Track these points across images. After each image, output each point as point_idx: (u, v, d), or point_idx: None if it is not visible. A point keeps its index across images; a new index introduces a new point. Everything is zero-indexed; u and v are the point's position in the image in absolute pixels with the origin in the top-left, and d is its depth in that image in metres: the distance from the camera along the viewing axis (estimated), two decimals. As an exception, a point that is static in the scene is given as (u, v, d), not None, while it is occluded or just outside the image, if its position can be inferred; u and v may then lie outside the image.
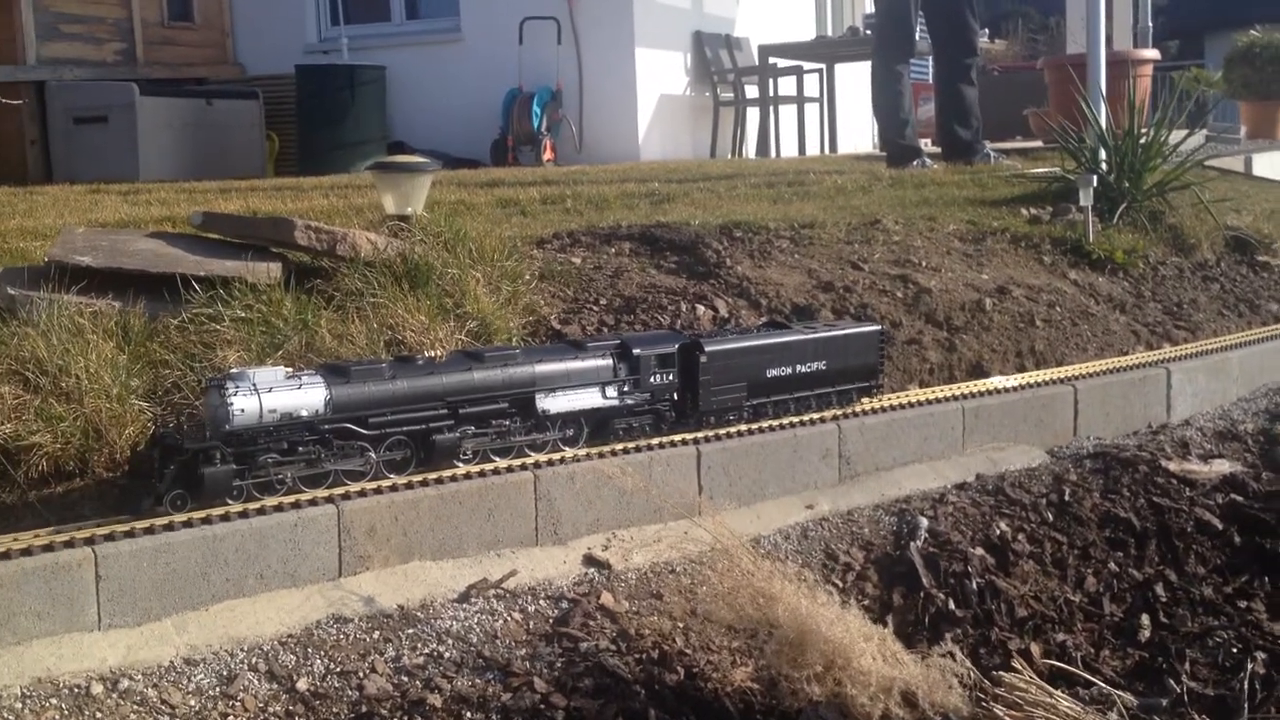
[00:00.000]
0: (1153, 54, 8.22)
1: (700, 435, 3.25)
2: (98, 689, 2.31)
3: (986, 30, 9.89)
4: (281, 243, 3.48)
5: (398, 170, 4.06)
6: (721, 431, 3.30)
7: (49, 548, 2.40)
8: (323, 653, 2.51)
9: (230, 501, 2.60)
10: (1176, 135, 5.98)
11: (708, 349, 3.24)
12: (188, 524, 2.53)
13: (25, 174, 8.80)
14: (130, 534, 2.48)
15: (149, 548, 2.47)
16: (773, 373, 3.38)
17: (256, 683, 2.41)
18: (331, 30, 10.50)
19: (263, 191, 6.00)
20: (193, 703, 2.33)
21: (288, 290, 3.20)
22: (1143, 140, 5.62)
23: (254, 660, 2.45)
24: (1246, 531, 3.48)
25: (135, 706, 2.29)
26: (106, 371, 2.78)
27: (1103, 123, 5.91)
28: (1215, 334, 4.79)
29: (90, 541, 2.43)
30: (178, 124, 9.04)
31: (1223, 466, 3.79)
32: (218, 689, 2.37)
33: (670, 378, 3.21)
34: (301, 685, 2.42)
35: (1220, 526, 3.48)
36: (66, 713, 2.25)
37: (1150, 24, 12.17)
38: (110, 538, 2.46)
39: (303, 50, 10.28)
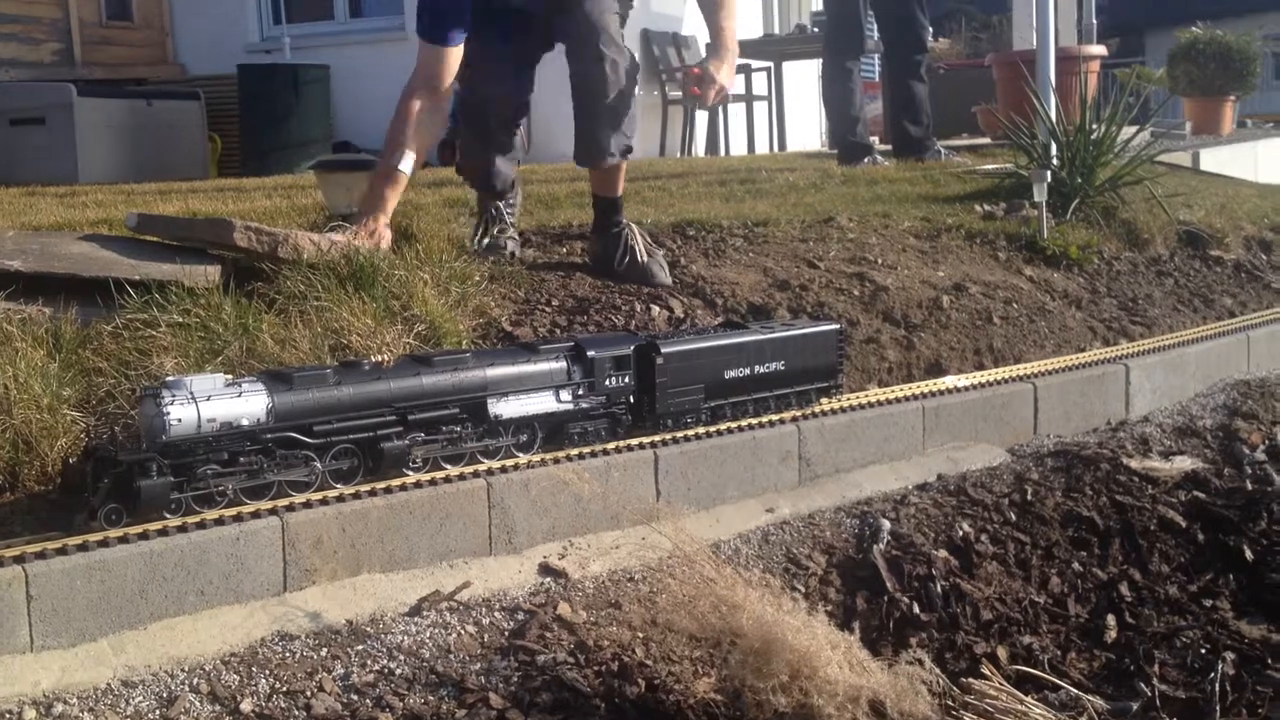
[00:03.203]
0: (1100, 50, 8.24)
1: (658, 439, 3.18)
2: (30, 714, 2.19)
3: (931, 28, 9.90)
4: (220, 244, 3.37)
5: (340, 168, 3.96)
6: (679, 435, 3.23)
7: (-24, 567, 2.28)
8: (268, 672, 2.40)
9: (168, 515, 2.49)
10: (1126, 132, 5.97)
11: (664, 350, 3.16)
12: (124, 539, 2.41)
13: (-41, 177, 8.59)
14: (63, 551, 2.36)
15: (83, 565, 2.35)
16: (731, 374, 3.31)
17: (198, 704, 2.30)
18: (274, 29, 10.35)
19: (204, 193, 5.87)
20: (131, 728, 2.23)
21: (227, 294, 3.09)
22: (1094, 136, 5.61)
23: (195, 681, 2.35)
24: (1209, 529, 3.45)
25: (69, 733, 2.18)
26: (36, 380, 2.66)
27: (1054, 118, 5.90)
28: (1171, 329, 4.78)
29: (20, 559, 2.31)
30: (117, 125, 8.85)
31: (1184, 463, 3.76)
32: (157, 712, 2.26)
33: (626, 380, 3.13)
34: (246, 706, 2.31)
35: (1183, 524, 3.45)
36: (-5, 741, 2.14)
37: (1094, 21, 12.25)
38: (42, 555, 2.34)
39: (244, 49, 10.12)
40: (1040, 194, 5.04)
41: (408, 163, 3.70)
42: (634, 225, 4.12)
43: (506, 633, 2.65)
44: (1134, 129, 6.28)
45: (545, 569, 2.89)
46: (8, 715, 2.18)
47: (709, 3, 4.04)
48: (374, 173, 3.75)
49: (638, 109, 4.05)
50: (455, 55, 3.79)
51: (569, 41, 3.96)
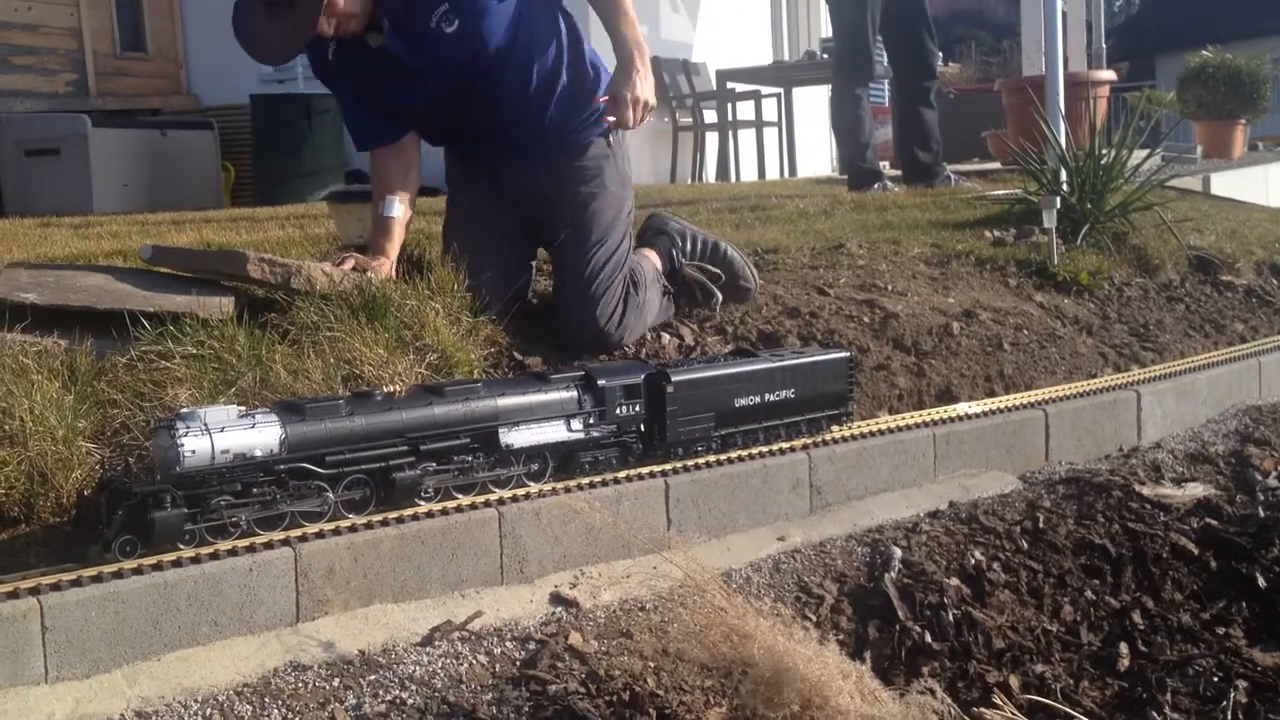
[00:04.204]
0: (1109, 75, 8.28)
1: (668, 467, 3.18)
2: (44, 746, 2.20)
3: (941, 54, 9.94)
4: (234, 276, 3.39)
5: (353, 199, 3.98)
6: (690, 463, 3.23)
7: (-9, 599, 2.29)
8: (280, 702, 2.41)
9: (182, 546, 2.50)
10: (1136, 156, 5.99)
11: (674, 379, 3.17)
12: (138, 571, 2.42)
13: (-25, 208, 8.66)
14: (78, 582, 2.37)
15: (97, 596, 2.36)
16: (741, 402, 3.31)
17: (211, 735, 2.31)
18: (286, 59, 10.39)
19: (218, 223, 5.90)
20: (144, 759, 2.23)
21: (241, 325, 3.10)
22: (1104, 161, 5.62)
23: (208, 712, 2.35)
24: (1222, 556, 3.44)
25: (83, 765, 2.19)
26: (52, 413, 2.68)
27: (1063, 144, 5.91)
28: (1182, 355, 4.78)
29: (35, 591, 2.33)
30: (131, 155, 8.93)
31: (1196, 490, 3.75)
32: (171, 743, 2.27)
33: (637, 409, 3.14)
34: (258, 737, 2.32)
35: (1196, 551, 3.44)
36: (10, 773, 2.15)
37: (1104, 45, 12.28)
38: (57, 587, 2.35)
39: (257, 79, 10.17)
40: (1050, 220, 5.05)
41: (394, 208, 3.62)
42: None
43: (518, 662, 2.66)
44: (1144, 153, 6.29)
45: (557, 598, 2.90)
46: (22, 746, 2.19)
47: (605, 9, 3.61)
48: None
49: (646, 298, 3.80)
50: (395, 150, 3.71)
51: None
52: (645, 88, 3.49)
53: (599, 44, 3.79)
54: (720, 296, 4.07)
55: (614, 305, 3.63)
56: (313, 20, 3.23)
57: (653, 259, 3.94)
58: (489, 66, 3.52)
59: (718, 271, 4.10)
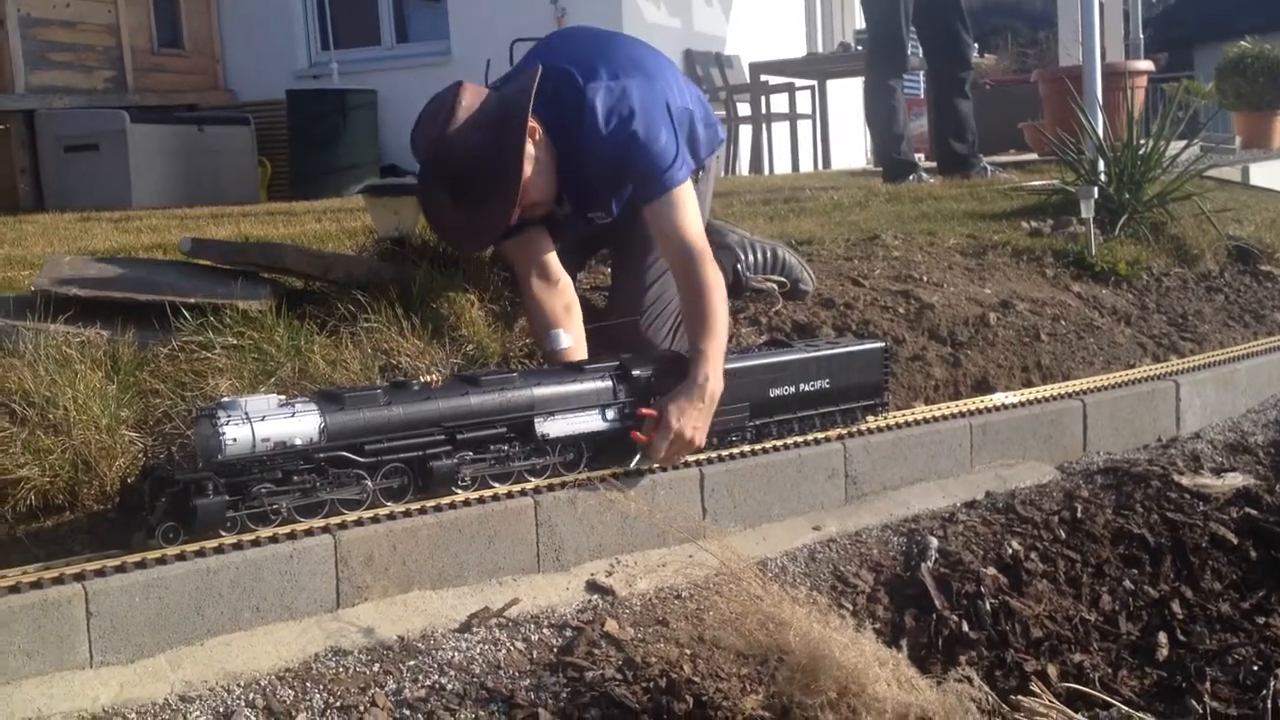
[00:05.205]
0: (1147, 65, 8.19)
1: (703, 457, 3.19)
2: (89, 730, 2.23)
3: (976, 44, 9.88)
4: (273, 268, 3.43)
5: (389, 192, 4.00)
6: (725, 453, 3.24)
7: (38, 585, 2.32)
8: (321, 687, 2.43)
9: (223, 533, 2.53)
10: (1174, 147, 5.94)
11: (710, 369, 3.17)
12: (180, 557, 2.46)
13: (16, 203, 8.77)
14: (121, 568, 2.40)
15: (141, 582, 2.39)
16: (776, 392, 3.31)
17: (254, 719, 2.33)
18: (322, 55, 10.48)
19: (255, 216, 5.95)
20: (187, 742, 2.26)
21: (280, 316, 3.13)
22: (1141, 151, 5.58)
23: (251, 696, 2.38)
24: (1262, 545, 3.42)
25: (128, 747, 2.22)
26: (95, 402, 2.71)
27: (1101, 134, 5.87)
28: (1221, 345, 4.74)
29: (80, 577, 2.36)
30: (169, 151, 9.02)
31: (1236, 480, 3.72)
32: (213, 727, 2.30)
33: (672, 399, 3.14)
34: (300, 722, 2.34)
35: (1235, 541, 3.42)
36: (56, 756, 2.18)
37: (1141, 36, 12.18)
38: (101, 573, 2.38)
39: (293, 75, 10.26)
40: (1088, 210, 5.02)
41: (560, 340, 3.31)
42: None
43: (555, 649, 2.67)
44: (1182, 144, 6.24)
45: (593, 586, 2.91)
46: (68, 730, 2.22)
47: (691, 312, 3.18)
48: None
49: None
50: (508, 246, 3.42)
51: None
52: (699, 427, 3.06)
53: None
54: (781, 303, 4.07)
55: (667, 329, 3.51)
56: (507, 215, 3.15)
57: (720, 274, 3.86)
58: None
59: (783, 280, 4.09)
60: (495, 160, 3.10)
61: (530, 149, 3.14)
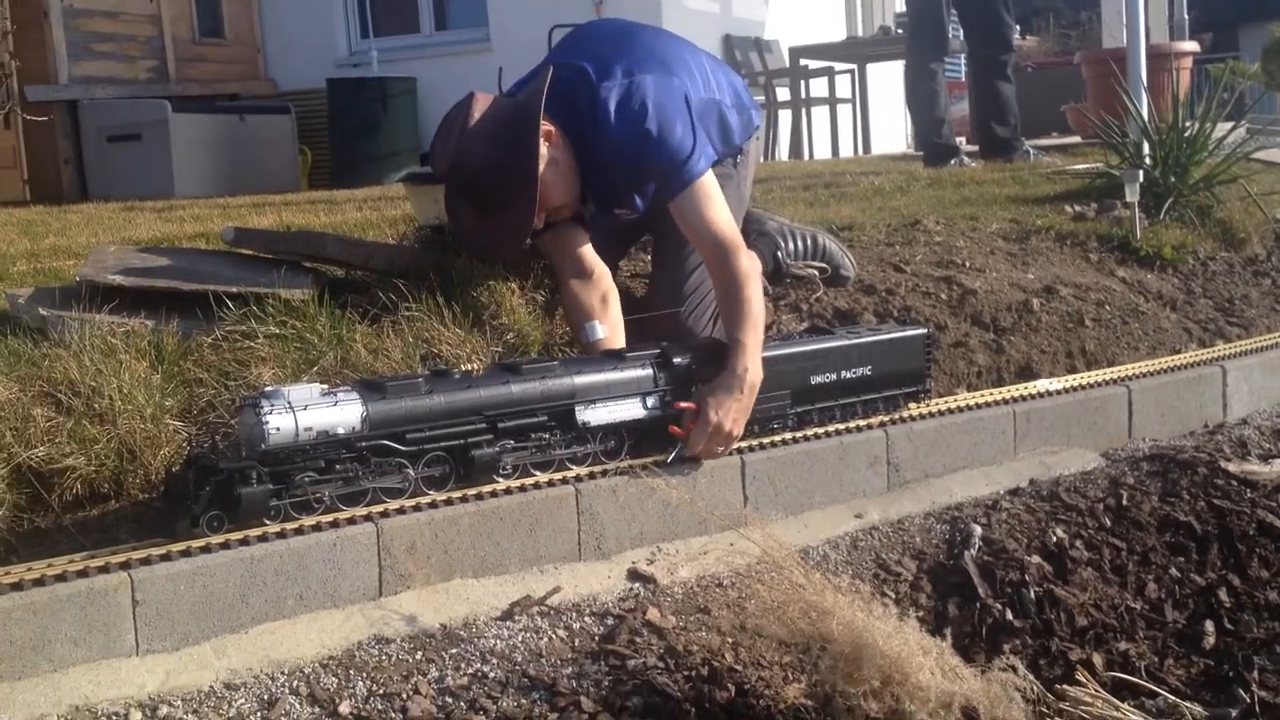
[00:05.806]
0: (1192, 46, 8.09)
1: (744, 445, 3.18)
2: (136, 716, 2.25)
3: (1018, 27, 9.79)
4: (314, 257, 3.44)
5: (429, 181, 4.00)
6: (766, 440, 3.23)
7: (84, 573, 2.35)
8: (365, 674, 2.45)
9: (267, 522, 2.55)
10: (1220, 129, 5.86)
11: (750, 356, 3.16)
12: (225, 545, 2.48)
13: (60, 193, 8.86)
14: (167, 557, 2.42)
15: (186, 571, 2.41)
16: (817, 379, 3.30)
17: (298, 706, 2.35)
18: (361, 43, 10.51)
19: (296, 205, 5.99)
20: (233, 729, 2.28)
21: (321, 305, 3.14)
22: (1187, 134, 5.51)
23: (295, 683, 2.40)
24: (1311, 533, 3.37)
25: (175, 734, 2.24)
26: (140, 392, 2.74)
27: (1145, 117, 5.80)
28: (1269, 330, 4.68)
29: (126, 566, 2.38)
30: (211, 140, 9.07)
31: (1284, 466, 3.68)
32: (259, 714, 2.32)
33: (712, 386, 3.13)
34: (344, 709, 2.36)
35: (1283, 529, 3.38)
36: (104, 742, 2.20)
37: (1186, 16, 12.03)
38: (146, 561, 2.41)
39: (333, 64, 10.29)
40: (1132, 194, 4.96)
41: (596, 332, 3.33)
42: None
43: (597, 637, 2.68)
44: (1228, 126, 6.15)
45: (634, 574, 2.91)
46: (115, 717, 2.24)
47: (727, 306, 3.16)
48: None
49: None
50: (544, 240, 3.41)
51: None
52: (738, 420, 3.03)
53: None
54: (822, 289, 4.05)
55: (707, 317, 3.48)
56: (529, 219, 3.15)
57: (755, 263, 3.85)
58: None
59: (824, 265, 4.06)
60: (512, 165, 3.10)
61: (546, 151, 3.13)
